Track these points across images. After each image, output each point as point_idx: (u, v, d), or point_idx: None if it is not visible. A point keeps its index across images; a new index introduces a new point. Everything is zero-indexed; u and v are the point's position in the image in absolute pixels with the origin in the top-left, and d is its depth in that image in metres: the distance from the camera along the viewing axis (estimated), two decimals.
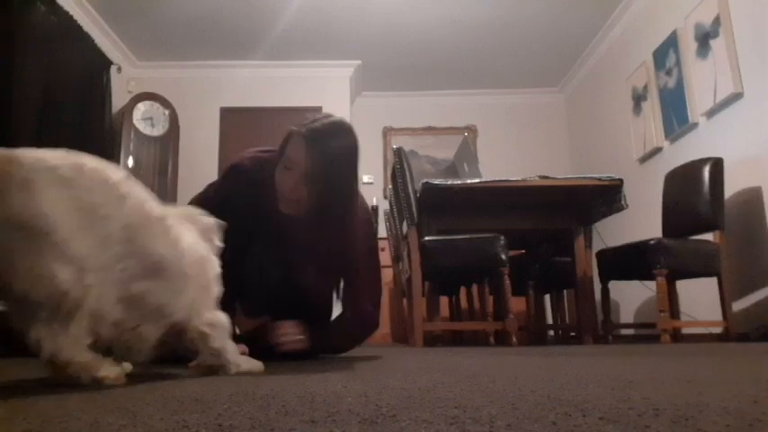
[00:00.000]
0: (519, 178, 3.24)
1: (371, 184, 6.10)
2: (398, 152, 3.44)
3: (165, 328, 0.97)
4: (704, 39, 3.70)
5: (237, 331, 1.65)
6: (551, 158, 6.01)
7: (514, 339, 3.07)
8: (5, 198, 0.77)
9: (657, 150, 4.36)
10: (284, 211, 1.55)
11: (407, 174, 3.35)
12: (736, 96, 3.42)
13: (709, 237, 3.20)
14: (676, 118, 4.05)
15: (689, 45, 3.88)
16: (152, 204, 0.96)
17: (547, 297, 4.57)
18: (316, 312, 1.73)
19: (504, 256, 3.08)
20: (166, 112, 5.26)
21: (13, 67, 3.69)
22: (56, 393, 0.77)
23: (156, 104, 5.25)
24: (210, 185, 1.85)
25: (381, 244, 3.76)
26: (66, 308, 0.79)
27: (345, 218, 1.60)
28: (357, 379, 1.07)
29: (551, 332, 4.66)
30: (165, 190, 5.07)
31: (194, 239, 1.06)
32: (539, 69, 5.83)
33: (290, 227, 1.61)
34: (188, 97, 5.43)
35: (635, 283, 3.89)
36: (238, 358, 1.10)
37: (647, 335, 3.89)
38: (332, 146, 1.48)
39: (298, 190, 1.50)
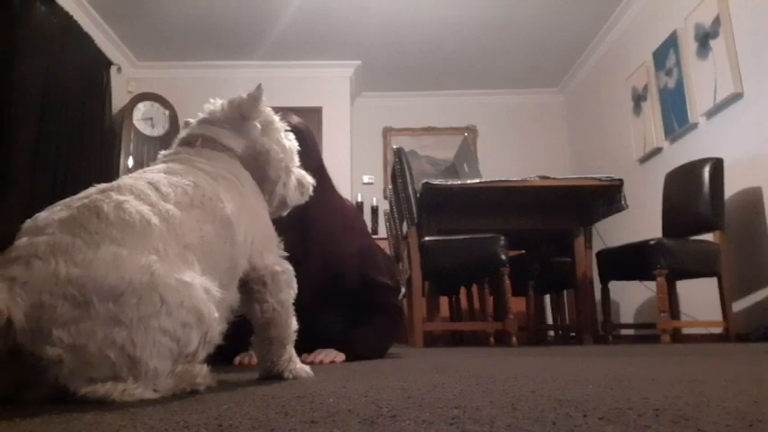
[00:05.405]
0: (519, 178, 3.24)
1: (371, 184, 6.10)
2: (398, 152, 3.44)
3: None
4: (704, 39, 3.70)
5: None
6: (551, 158, 6.00)
7: (514, 340, 3.06)
8: None
9: (657, 150, 4.36)
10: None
11: (407, 174, 3.35)
12: (736, 96, 3.42)
13: (709, 237, 3.19)
14: (676, 118, 4.05)
15: (689, 45, 3.88)
16: None
17: (547, 297, 4.56)
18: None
19: (504, 257, 3.08)
20: (166, 112, 5.26)
21: (13, 66, 3.69)
22: (56, 394, 0.77)
23: (156, 104, 5.25)
24: None
25: (381, 244, 3.76)
26: None
27: None
28: (357, 379, 1.07)
29: (551, 332, 4.66)
30: None
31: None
32: (539, 69, 5.83)
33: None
34: (188, 97, 5.42)
35: (635, 284, 3.89)
36: (297, 363, 1.12)
37: (647, 335, 3.89)
38: None
39: None
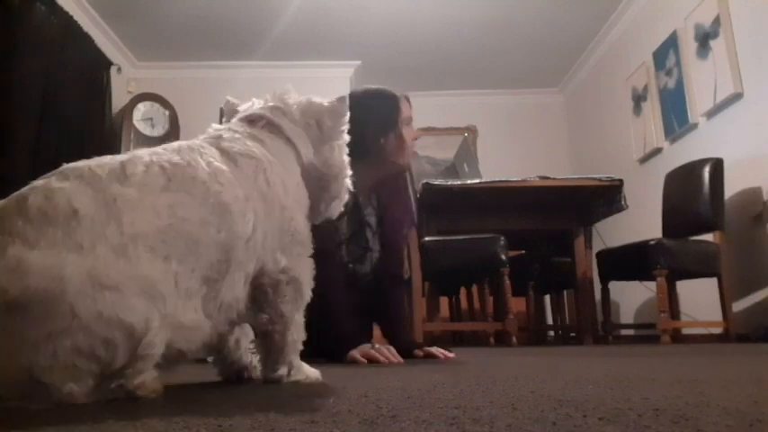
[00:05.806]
0: (519, 178, 3.24)
1: None
2: None
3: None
4: (704, 39, 3.70)
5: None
6: (551, 158, 6.00)
7: (514, 340, 3.06)
8: None
9: (657, 151, 4.36)
10: (405, 164, 1.92)
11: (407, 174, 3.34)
12: (736, 96, 3.42)
13: (709, 237, 3.19)
14: (676, 118, 4.05)
15: (689, 45, 3.88)
16: None
17: (547, 297, 4.56)
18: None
19: (504, 257, 3.08)
20: (166, 112, 5.26)
21: (13, 67, 3.69)
22: None
23: (156, 105, 5.25)
24: None
25: None
26: None
27: None
28: (357, 379, 1.07)
29: (551, 332, 4.66)
30: None
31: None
32: (539, 69, 5.83)
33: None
34: (188, 97, 5.42)
35: (635, 284, 3.89)
36: (302, 365, 1.02)
37: (647, 335, 3.88)
38: None
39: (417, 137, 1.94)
